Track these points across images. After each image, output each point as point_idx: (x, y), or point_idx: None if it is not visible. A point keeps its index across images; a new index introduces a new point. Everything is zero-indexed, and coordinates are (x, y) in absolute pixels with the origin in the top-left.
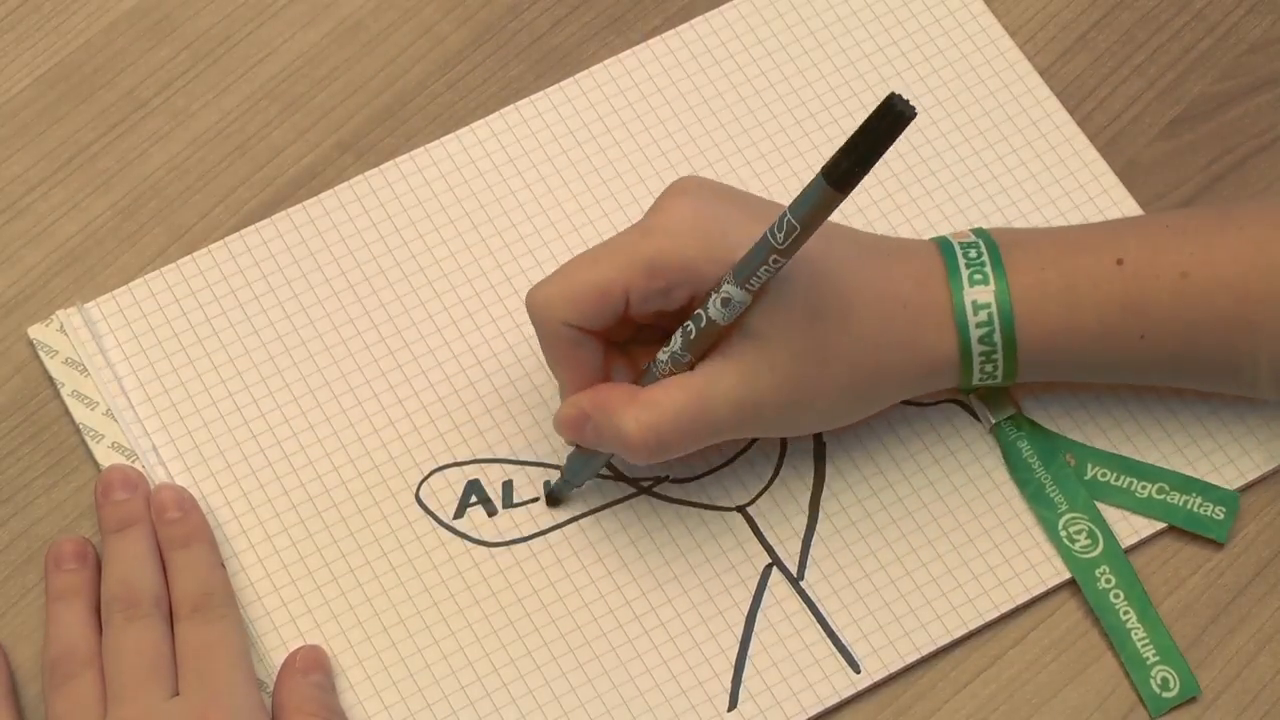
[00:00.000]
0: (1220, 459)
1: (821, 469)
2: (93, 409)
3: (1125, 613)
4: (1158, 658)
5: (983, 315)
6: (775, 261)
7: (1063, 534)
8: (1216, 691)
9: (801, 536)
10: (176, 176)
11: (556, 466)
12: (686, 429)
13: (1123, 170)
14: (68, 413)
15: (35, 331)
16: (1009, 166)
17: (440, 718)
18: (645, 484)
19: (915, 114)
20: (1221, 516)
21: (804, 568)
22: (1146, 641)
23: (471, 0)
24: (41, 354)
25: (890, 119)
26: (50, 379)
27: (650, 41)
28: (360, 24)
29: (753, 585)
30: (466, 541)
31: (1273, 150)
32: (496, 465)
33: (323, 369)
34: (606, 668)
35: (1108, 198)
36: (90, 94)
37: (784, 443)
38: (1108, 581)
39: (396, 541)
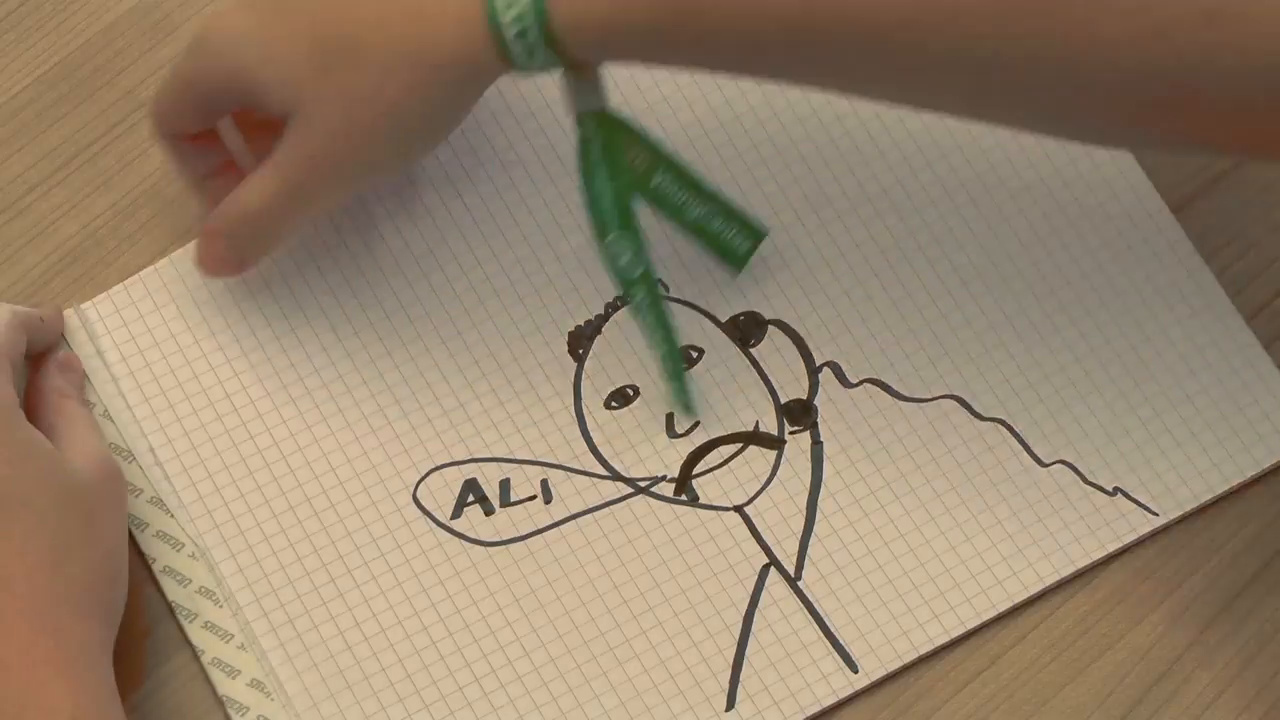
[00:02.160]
0: (1219, 454)
1: (819, 469)
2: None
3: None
4: None
5: (516, 10)
6: None
7: (608, 251)
8: (1217, 691)
9: (799, 537)
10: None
11: (554, 465)
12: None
13: None
14: None
15: None
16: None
17: (438, 719)
18: (643, 484)
19: None
20: (744, 250)
21: (801, 568)
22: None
23: None
24: None
25: None
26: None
27: None
28: None
29: (750, 585)
30: (464, 541)
31: None
32: (493, 464)
33: (320, 369)
34: (604, 668)
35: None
36: (90, 94)
37: (782, 443)
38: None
39: (394, 542)
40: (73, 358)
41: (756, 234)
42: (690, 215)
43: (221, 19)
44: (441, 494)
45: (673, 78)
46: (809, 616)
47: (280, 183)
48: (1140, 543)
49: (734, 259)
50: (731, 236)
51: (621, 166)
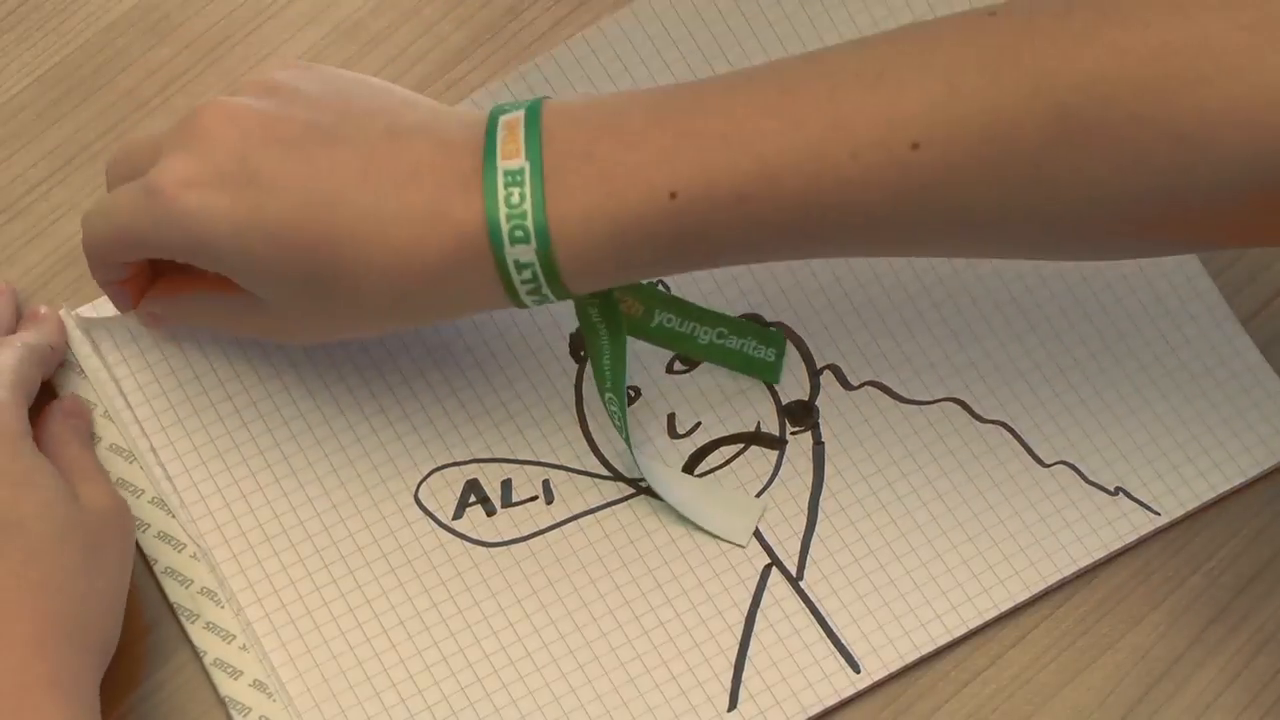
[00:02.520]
0: (1220, 455)
1: (820, 469)
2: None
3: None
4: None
5: (526, 274)
6: None
7: (606, 407)
8: (1216, 691)
9: (801, 536)
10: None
11: (555, 466)
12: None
13: None
14: None
15: None
16: None
17: (441, 719)
18: (645, 484)
19: None
20: (772, 359)
21: (803, 568)
22: None
23: (471, 0)
24: None
25: None
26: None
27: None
28: (360, 24)
29: (752, 585)
30: (465, 542)
31: None
32: (495, 465)
33: (321, 369)
34: (606, 668)
35: None
36: (90, 94)
37: (783, 443)
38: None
39: (396, 543)
40: (78, 403)
41: (778, 340)
42: (702, 342)
43: (195, 197)
44: (443, 494)
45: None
46: (811, 616)
47: (232, 325)
48: (1141, 542)
49: (765, 370)
50: (753, 350)
51: (618, 325)
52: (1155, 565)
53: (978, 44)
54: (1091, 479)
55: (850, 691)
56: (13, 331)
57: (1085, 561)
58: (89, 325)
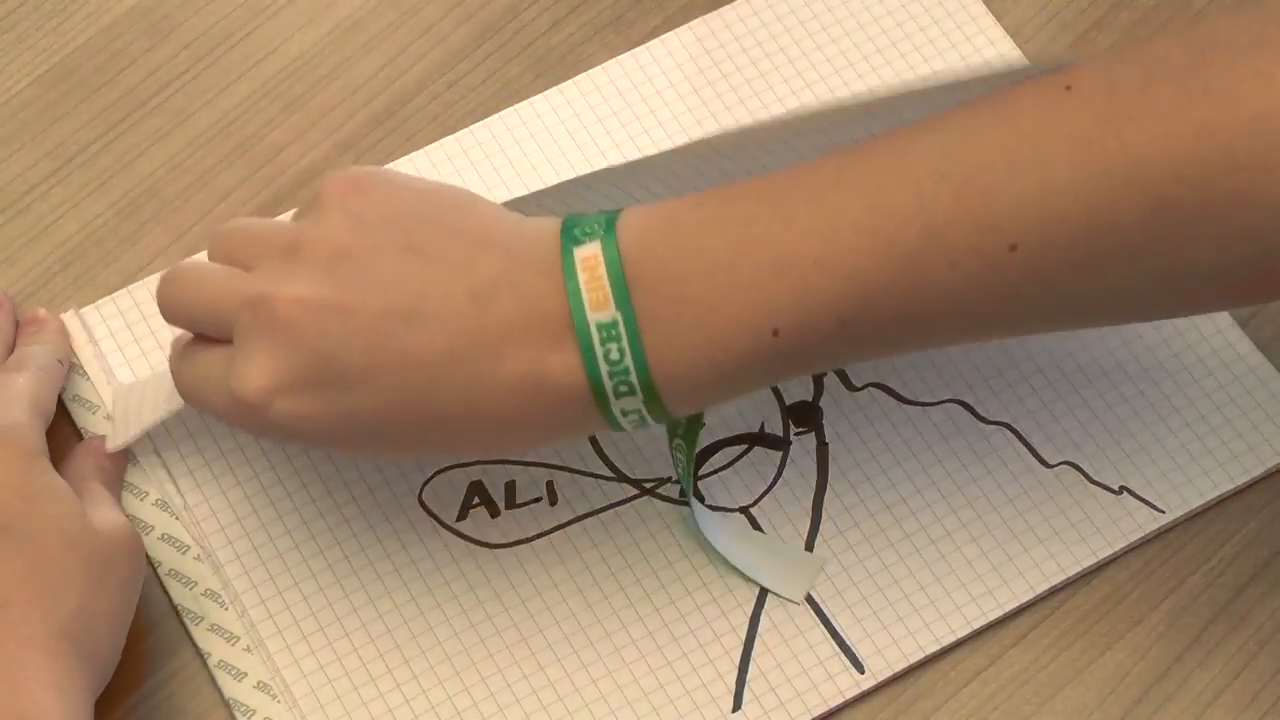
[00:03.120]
0: (1224, 455)
1: (824, 470)
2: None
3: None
4: None
5: (632, 416)
6: None
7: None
8: (1216, 691)
9: (805, 537)
10: (176, 176)
11: (559, 467)
12: None
13: None
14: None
15: None
16: None
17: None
18: (648, 485)
19: None
20: None
21: None
22: None
23: (471, 0)
24: None
25: None
26: None
27: (650, 44)
28: (360, 24)
29: (756, 587)
30: (470, 543)
31: None
32: (499, 466)
33: None
34: (610, 669)
35: None
36: (90, 94)
37: (787, 444)
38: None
39: (399, 544)
40: (99, 445)
41: None
42: None
43: (286, 406)
44: (446, 496)
45: (682, 98)
46: (815, 617)
47: None
48: (1144, 542)
49: None
50: None
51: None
52: (1155, 565)
53: (1061, 130)
54: (1095, 479)
55: (854, 692)
56: (12, 339)
57: (1089, 561)
58: (91, 327)
